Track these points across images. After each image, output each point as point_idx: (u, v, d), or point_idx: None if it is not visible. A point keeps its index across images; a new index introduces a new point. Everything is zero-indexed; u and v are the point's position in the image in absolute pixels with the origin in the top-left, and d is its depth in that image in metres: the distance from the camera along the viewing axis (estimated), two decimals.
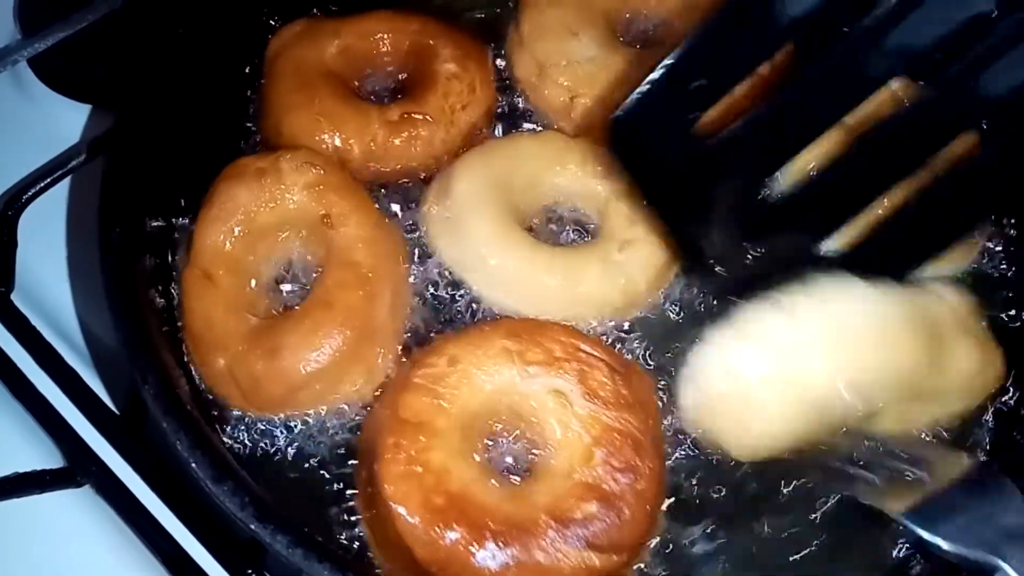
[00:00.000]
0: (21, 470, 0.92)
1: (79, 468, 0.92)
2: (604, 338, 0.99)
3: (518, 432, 0.91)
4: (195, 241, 0.96)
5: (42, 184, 1.04)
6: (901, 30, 0.81)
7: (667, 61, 0.84)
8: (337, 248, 0.96)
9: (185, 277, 0.95)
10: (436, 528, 0.81)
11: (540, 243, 1.01)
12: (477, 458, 0.87)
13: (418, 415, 0.86)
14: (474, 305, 1.01)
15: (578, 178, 1.04)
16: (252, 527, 0.76)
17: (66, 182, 1.09)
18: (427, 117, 1.07)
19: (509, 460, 0.90)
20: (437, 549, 0.81)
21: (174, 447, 0.80)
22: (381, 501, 0.83)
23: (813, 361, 0.83)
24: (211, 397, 0.94)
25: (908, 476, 0.82)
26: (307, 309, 0.93)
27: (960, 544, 0.76)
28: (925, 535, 0.77)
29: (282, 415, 0.93)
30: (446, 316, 1.00)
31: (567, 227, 1.06)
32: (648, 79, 0.84)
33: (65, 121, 1.17)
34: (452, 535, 0.81)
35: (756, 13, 0.83)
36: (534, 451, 0.90)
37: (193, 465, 0.79)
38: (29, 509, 0.92)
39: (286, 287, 1.00)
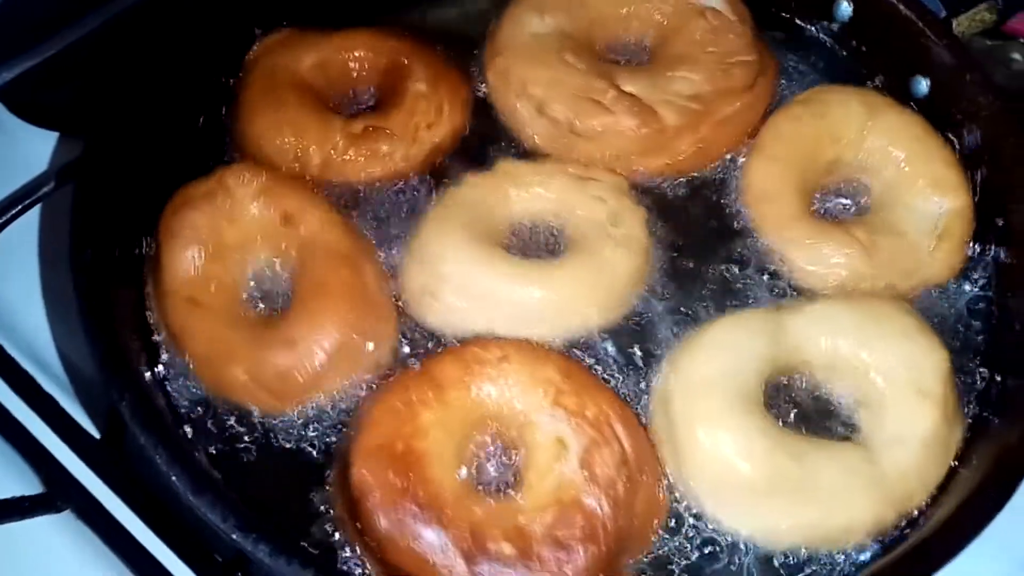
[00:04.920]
0: None
1: (59, 493, 0.92)
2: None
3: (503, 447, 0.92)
4: (166, 272, 0.96)
5: (11, 213, 1.05)
6: None
7: None
8: (307, 240, 0.98)
9: (170, 309, 0.95)
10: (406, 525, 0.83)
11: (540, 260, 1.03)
12: (464, 470, 0.89)
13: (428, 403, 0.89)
14: None
15: (537, 196, 1.06)
16: (234, 537, 0.76)
17: (36, 211, 1.10)
18: (389, 132, 1.07)
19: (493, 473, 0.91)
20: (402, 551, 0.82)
21: (153, 462, 0.80)
22: (353, 494, 0.85)
23: None
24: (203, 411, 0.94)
25: None
26: (304, 299, 0.96)
27: None
28: None
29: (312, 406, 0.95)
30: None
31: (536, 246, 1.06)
32: None
33: (33, 149, 1.17)
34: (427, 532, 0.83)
35: None
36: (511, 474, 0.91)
37: (173, 479, 0.79)
38: (8, 536, 0.91)
39: (266, 294, 1.01)
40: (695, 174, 1.12)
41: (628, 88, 1.10)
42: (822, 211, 1.11)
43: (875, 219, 1.08)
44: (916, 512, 0.91)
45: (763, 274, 1.06)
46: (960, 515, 0.85)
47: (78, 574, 0.93)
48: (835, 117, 1.11)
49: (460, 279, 0.99)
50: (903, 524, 0.91)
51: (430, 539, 0.82)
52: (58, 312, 1.08)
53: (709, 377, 0.93)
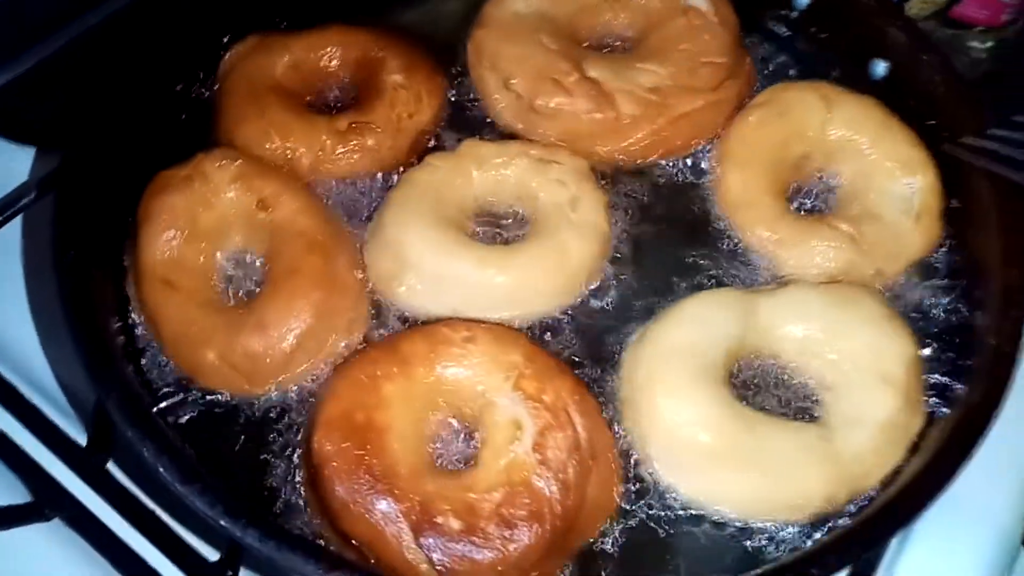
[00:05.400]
0: None
1: (47, 501, 0.92)
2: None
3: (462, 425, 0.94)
4: (143, 256, 0.98)
5: None
6: None
7: None
8: (281, 225, 1.00)
9: (146, 291, 0.97)
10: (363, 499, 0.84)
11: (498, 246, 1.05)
12: (421, 445, 0.91)
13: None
14: None
15: (500, 178, 1.08)
16: (223, 523, 0.77)
17: (18, 224, 1.10)
18: (374, 125, 1.10)
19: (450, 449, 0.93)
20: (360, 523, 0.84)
21: (141, 456, 0.81)
22: (315, 469, 0.87)
23: None
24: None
25: None
26: (277, 283, 0.98)
27: None
28: None
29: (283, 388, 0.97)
30: None
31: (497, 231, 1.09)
32: None
33: (12, 162, 1.18)
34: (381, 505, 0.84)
35: None
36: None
37: (161, 470, 0.80)
38: None
39: (239, 278, 1.02)
40: (671, 162, 1.15)
41: (592, 73, 1.13)
42: (799, 207, 1.13)
43: (852, 208, 1.09)
44: (872, 493, 0.92)
45: (739, 262, 1.08)
46: (928, 468, 0.88)
47: None
48: (795, 114, 1.13)
49: (423, 264, 1.01)
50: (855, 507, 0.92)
51: (382, 509, 0.84)
52: (43, 321, 1.08)
53: (678, 348, 0.95)
